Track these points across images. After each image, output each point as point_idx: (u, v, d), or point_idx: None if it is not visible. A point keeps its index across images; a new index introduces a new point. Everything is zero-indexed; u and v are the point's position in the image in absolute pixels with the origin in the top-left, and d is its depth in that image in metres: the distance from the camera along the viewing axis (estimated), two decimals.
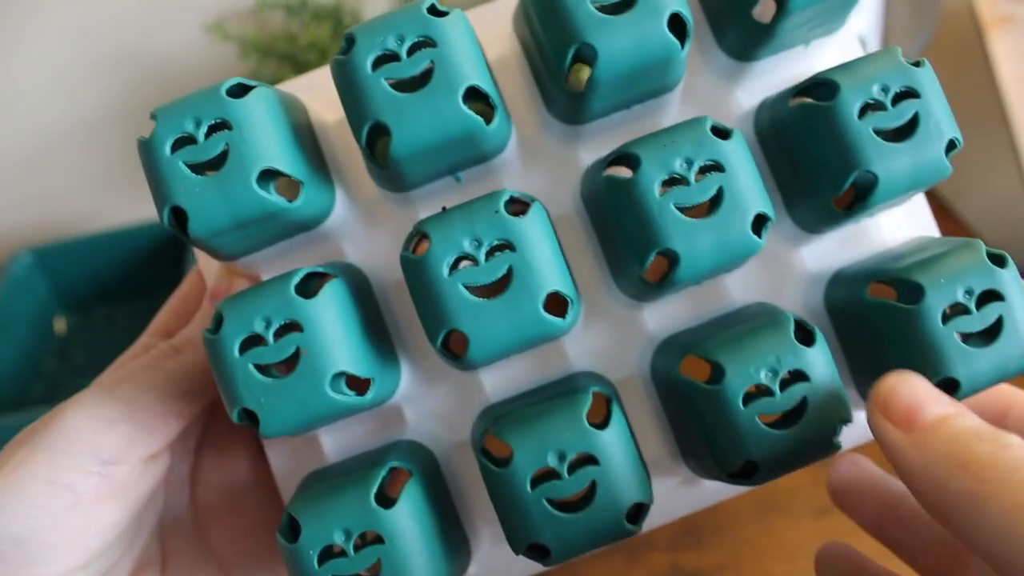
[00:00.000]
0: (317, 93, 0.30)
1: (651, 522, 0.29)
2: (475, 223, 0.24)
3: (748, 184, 0.24)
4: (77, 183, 0.60)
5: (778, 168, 0.28)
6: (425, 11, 0.25)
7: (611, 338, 0.29)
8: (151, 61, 0.62)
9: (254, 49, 0.58)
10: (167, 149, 0.25)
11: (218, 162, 0.25)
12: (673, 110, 0.29)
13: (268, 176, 0.25)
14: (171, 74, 0.62)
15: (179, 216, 0.25)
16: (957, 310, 0.24)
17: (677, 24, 0.25)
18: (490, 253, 0.24)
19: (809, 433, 0.24)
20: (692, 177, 0.24)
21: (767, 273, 0.28)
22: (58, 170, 0.62)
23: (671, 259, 0.24)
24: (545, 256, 0.24)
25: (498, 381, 0.29)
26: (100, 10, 0.61)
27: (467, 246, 0.24)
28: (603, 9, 0.24)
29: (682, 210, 0.24)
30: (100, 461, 0.26)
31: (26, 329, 0.60)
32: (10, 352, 0.58)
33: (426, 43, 0.25)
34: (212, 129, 0.25)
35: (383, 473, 0.24)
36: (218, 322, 0.25)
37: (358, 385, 0.25)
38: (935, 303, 0.24)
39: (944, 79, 0.25)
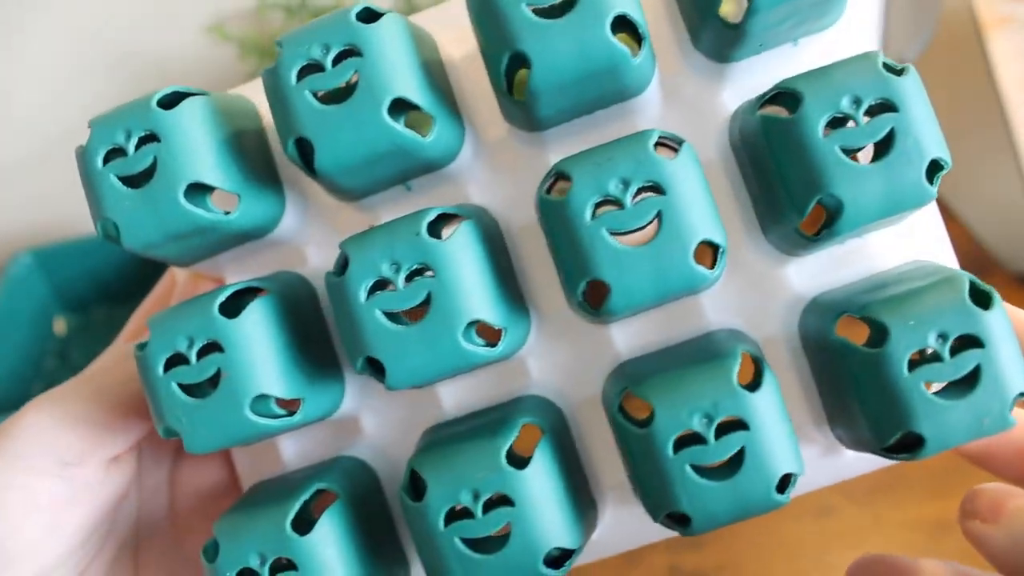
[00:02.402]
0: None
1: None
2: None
3: (698, 210, 0.22)
4: (77, 183, 0.59)
5: (749, 184, 0.25)
6: (354, 18, 0.23)
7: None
8: (151, 61, 0.62)
9: (254, 49, 0.58)
10: (99, 161, 0.24)
11: (147, 175, 0.24)
12: (654, 111, 0.27)
13: (201, 188, 0.25)
14: (171, 74, 0.61)
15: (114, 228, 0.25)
16: (928, 356, 0.21)
17: (629, 25, 0.23)
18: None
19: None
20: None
21: (752, 290, 0.26)
22: (58, 170, 0.57)
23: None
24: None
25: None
26: (100, 10, 0.61)
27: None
28: (541, 13, 0.22)
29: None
30: (60, 463, 0.26)
31: (26, 329, 0.60)
32: (10, 352, 0.57)
33: (352, 52, 0.23)
34: (142, 141, 0.24)
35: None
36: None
37: (287, 404, 0.25)
38: (900, 348, 0.21)
39: (944, 79, 0.22)
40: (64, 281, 0.61)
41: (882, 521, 0.30)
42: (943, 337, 0.21)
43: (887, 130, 0.21)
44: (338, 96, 0.23)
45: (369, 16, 0.24)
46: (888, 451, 0.22)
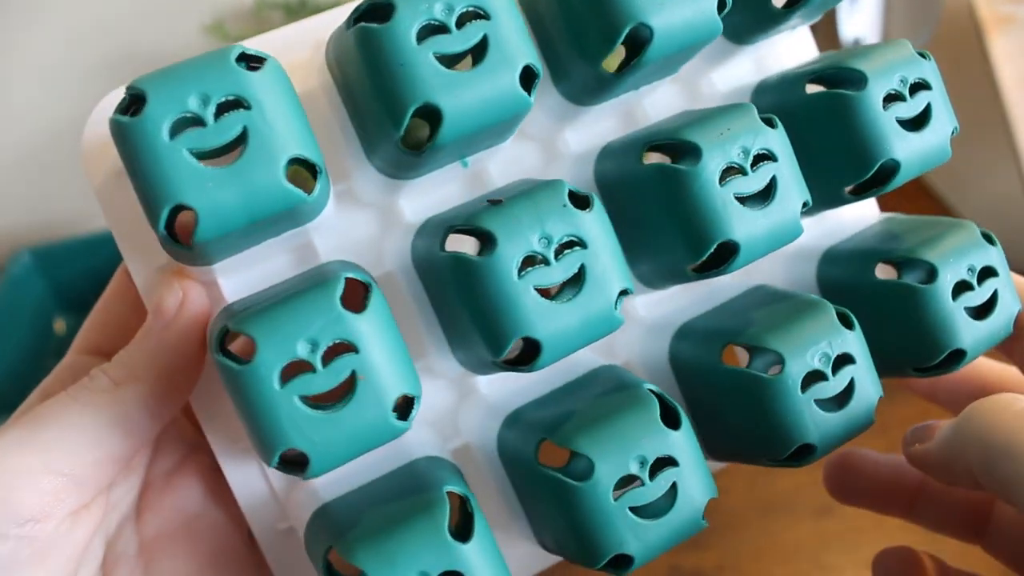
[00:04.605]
0: (284, 57, 0.25)
1: None
2: (543, 219, 0.22)
3: (794, 173, 0.24)
4: (77, 183, 0.59)
5: None
6: None
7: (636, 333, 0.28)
8: (150, 61, 0.59)
9: None
10: (165, 134, 0.19)
11: (229, 150, 0.20)
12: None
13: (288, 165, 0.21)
14: None
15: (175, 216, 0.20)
16: (962, 287, 0.26)
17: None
18: (559, 251, 0.22)
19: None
20: (748, 166, 0.24)
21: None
22: (58, 170, 0.61)
23: (732, 249, 0.24)
24: (613, 251, 0.23)
25: (497, 379, 0.27)
26: (99, 10, 0.61)
27: (536, 244, 0.22)
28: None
29: (740, 200, 0.23)
30: (18, 521, 0.22)
31: (26, 329, 0.60)
32: (10, 352, 0.57)
33: (478, 13, 0.21)
34: (222, 108, 0.20)
35: (447, 503, 0.22)
36: (222, 341, 0.20)
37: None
38: (947, 281, 0.26)
39: (944, 78, 0.27)
40: (64, 281, 0.61)
41: (881, 521, 0.32)
42: (972, 270, 0.26)
43: (925, 104, 0.26)
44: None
45: None
46: (928, 370, 0.26)
